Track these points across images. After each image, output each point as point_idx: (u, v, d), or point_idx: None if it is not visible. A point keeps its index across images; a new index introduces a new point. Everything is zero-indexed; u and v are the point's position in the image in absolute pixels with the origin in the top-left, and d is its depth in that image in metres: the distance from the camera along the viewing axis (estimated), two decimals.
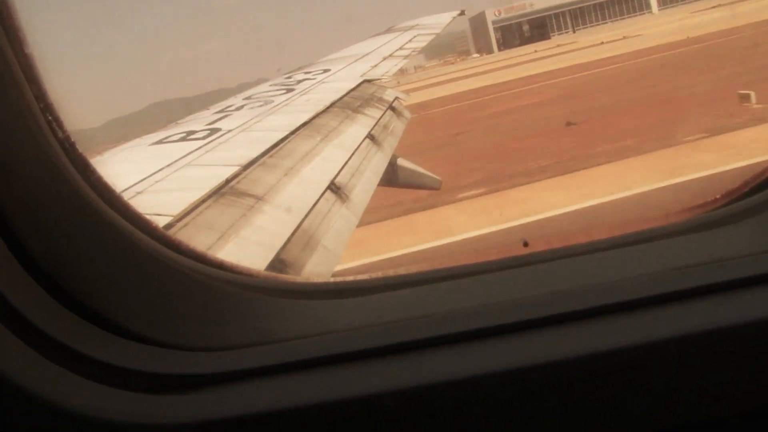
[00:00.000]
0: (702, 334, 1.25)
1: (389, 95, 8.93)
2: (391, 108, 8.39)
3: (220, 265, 1.64)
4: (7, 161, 1.23)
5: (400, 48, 11.92)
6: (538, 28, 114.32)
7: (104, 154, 7.01)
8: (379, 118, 7.75)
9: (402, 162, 8.89)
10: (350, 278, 1.73)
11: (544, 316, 1.31)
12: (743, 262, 1.38)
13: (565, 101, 32.83)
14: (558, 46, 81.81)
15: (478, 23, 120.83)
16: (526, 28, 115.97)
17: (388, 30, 14.84)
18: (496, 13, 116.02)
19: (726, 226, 1.57)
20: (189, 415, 1.24)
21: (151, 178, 5.21)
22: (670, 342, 1.25)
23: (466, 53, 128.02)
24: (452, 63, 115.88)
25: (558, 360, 1.24)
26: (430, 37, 13.10)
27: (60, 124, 1.32)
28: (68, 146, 1.33)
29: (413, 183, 9.23)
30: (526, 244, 1.67)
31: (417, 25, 14.57)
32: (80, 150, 1.37)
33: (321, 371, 1.30)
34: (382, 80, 9.74)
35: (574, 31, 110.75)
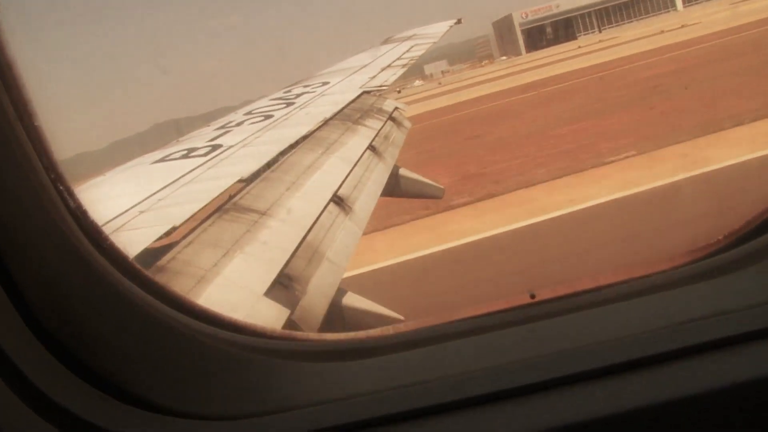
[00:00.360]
0: (712, 391, 1.24)
1: (389, 106, 8.95)
2: (391, 118, 8.40)
3: (235, 327, 1.64)
4: (20, 234, 1.24)
5: (398, 58, 11.95)
6: (565, 29, 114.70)
7: (106, 174, 7.03)
8: (380, 129, 7.76)
9: (404, 172, 8.89)
10: (362, 336, 1.73)
11: (554, 378, 1.31)
12: (747, 315, 1.38)
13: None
14: (600, 42, 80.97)
15: (503, 27, 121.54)
16: (549, 30, 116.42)
17: (386, 40, 14.88)
18: (523, 16, 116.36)
19: (729, 275, 1.56)
20: None
21: (155, 196, 5.22)
22: (678, 401, 1.24)
23: (489, 57, 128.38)
24: (482, 66, 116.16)
25: (570, 424, 1.23)
26: (427, 46, 13.14)
27: (71, 194, 1.33)
28: (80, 215, 1.34)
29: (416, 192, 9.22)
30: (533, 297, 1.67)
31: (414, 35, 14.62)
32: (92, 218, 1.38)
33: None
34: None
35: (600, 31, 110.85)
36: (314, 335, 1.80)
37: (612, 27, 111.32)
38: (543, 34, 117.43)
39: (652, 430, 1.24)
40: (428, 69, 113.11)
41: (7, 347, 1.20)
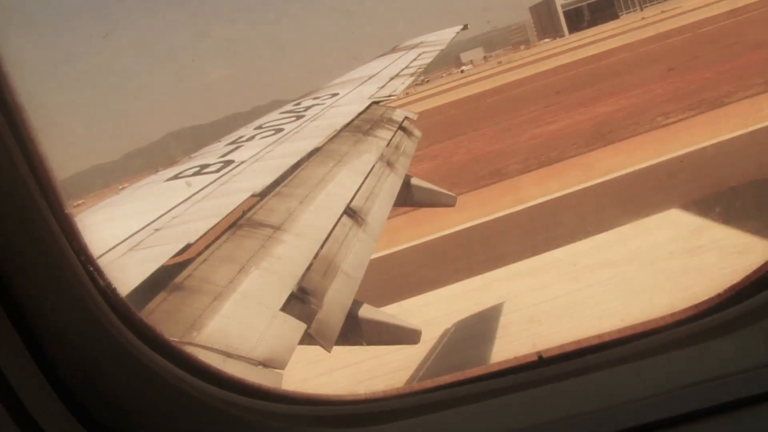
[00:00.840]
0: None
1: (398, 115, 8.96)
2: (402, 128, 8.41)
3: (260, 394, 1.67)
4: (57, 319, 1.27)
5: (406, 67, 11.96)
6: (607, 9, 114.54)
7: (121, 193, 7.09)
8: (390, 139, 7.78)
9: (416, 181, 8.89)
10: (362, 398, 1.75)
11: None
12: (749, 377, 1.38)
13: None
14: (643, 19, 79.29)
15: (542, 10, 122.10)
16: (587, 11, 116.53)
17: (394, 49, 14.91)
18: None
19: (733, 334, 1.55)
20: None
21: (169, 214, 5.26)
22: None
23: (525, 42, 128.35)
24: (521, 50, 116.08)
25: None
26: (435, 54, 13.14)
27: (101, 274, 1.36)
28: (110, 293, 1.38)
29: (428, 201, 9.21)
30: (541, 358, 1.67)
31: (421, 42, 14.64)
32: (121, 296, 1.41)
33: None
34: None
35: (641, 9, 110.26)
36: (334, 396, 1.82)
37: (653, 4, 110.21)
38: (583, 15, 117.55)
39: None
40: (465, 57, 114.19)
41: (30, 407, 1.23)
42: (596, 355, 1.62)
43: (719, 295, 1.67)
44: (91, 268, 1.34)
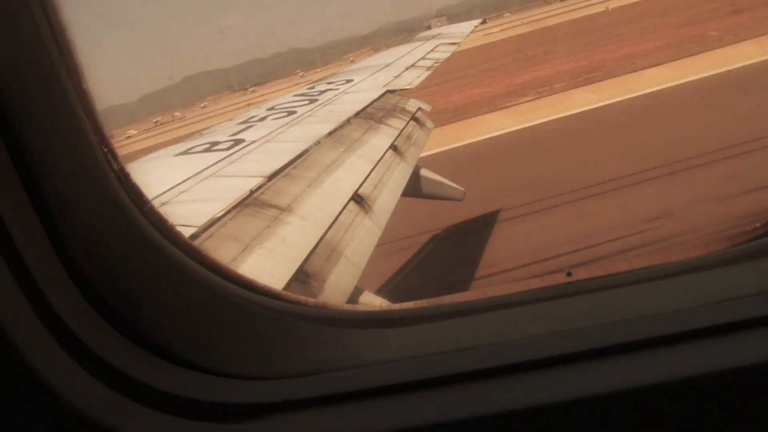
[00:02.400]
0: (747, 367, 1.23)
1: (412, 106, 8.93)
2: (414, 119, 8.38)
3: (272, 294, 1.67)
4: (67, 195, 1.27)
5: (423, 58, 11.92)
6: None
7: (130, 165, 7.08)
8: (402, 129, 7.75)
9: (425, 173, 8.87)
10: (399, 307, 1.75)
11: (588, 349, 1.30)
12: None
13: None
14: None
15: None
16: None
17: (411, 39, 14.87)
18: None
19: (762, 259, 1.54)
20: None
21: (176, 188, 5.26)
22: (712, 375, 1.23)
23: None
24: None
25: (603, 393, 1.23)
26: (453, 47, 13.09)
27: (115, 157, 1.36)
28: (123, 177, 1.38)
29: (436, 194, 9.21)
30: (569, 274, 1.66)
31: (439, 34, 14.58)
32: (134, 180, 1.41)
33: (376, 401, 1.31)
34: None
35: None
36: (348, 305, 1.82)
37: None
38: None
39: (686, 403, 1.24)
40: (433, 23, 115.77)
41: (55, 303, 1.23)
42: (627, 274, 1.62)
43: (756, 228, 1.67)
44: (106, 150, 1.33)
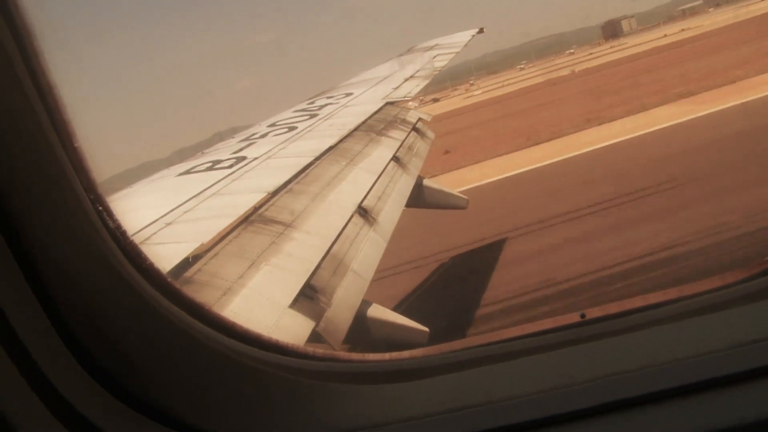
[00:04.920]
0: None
1: (412, 116, 8.94)
2: (415, 129, 8.39)
3: (279, 348, 1.64)
4: (61, 255, 1.25)
5: (421, 68, 11.94)
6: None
7: (134, 186, 7.10)
8: (404, 140, 7.75)
9: (428, 183, 8.86)
10: (410, 355, 1.70)
11: (605, 402, 1.28)
12: None
13: None
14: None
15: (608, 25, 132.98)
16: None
17: (409, 50, 14.89)
18: None
19: None
20: None
21: (180, 208, 5.26)
22: (739, 427, 1.20)
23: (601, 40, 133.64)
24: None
25: None
26: (450, 56, 13.09)
27: (111, 214, 1.34)
28: (119, 235, 1.34)
29: (440, 203, 9.19)
30: (583, 316, 1.62)
31: (437, 44, 14.60)
32: (130, 238, 1.38)
33: None
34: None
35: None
36: (357, 355, 1.79)
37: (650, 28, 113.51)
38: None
39: None
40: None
41: (46, 368, 1.20)
42: (640, 314, 1.58)
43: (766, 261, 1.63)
44: (101, 208, 1.30)
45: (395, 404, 1.50)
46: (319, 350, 1.78)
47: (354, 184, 6.01)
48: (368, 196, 5.73)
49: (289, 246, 4.57)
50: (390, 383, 1.58)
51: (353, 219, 5.22)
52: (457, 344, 1.68)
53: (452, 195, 9.55)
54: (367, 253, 4.90)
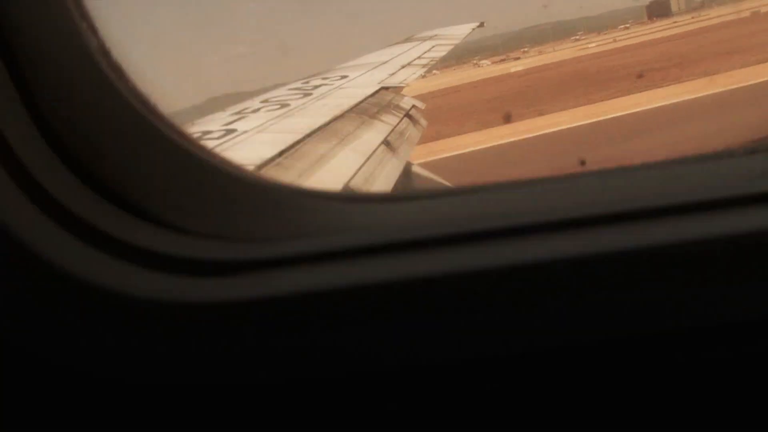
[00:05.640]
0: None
1: (406, 103, 8.93)
2: (408, 116, 8.38)
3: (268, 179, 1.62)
4: (36, 38, 1.22)
5: (419, 57, 11.92)
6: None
7: None
8: (396, 125, 7.75)
9: (417, 169, 8.86)
10: (399, 192, 1.70)
11: (566, 219, 1.28)
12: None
13: None
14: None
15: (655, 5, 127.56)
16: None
17: (407, 39, 14.87)
18: None
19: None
20: (226, 296, 1.24)
21: None
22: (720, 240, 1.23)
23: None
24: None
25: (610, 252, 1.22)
26: (449, 47, 13.10)
27: (95, 31, 1.31)
28: (107, 51, 1.32)
29: None
30: (583, 163, 1.63)
31: (436, 35, 14.58)
32: (117, 58, 1.35)
33: (352, 261, 1.28)
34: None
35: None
36: (335, 191, 1.78)
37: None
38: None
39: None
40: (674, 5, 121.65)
41: (17, 148, 1.19)
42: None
43: None
44: (86, 24, 1.29)
45: (380, 219, 1.51)
46: (311, 187, 1.78)
47: (342, 163, 6.00)
48: (355, 177, 5.73)
49: None
50: (376, 203, 1.61)
51: None
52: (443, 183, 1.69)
53: (440, 183, 9.57)
54: None
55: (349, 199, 1.65)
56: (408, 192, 1.86)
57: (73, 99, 1.28)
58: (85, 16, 1.31)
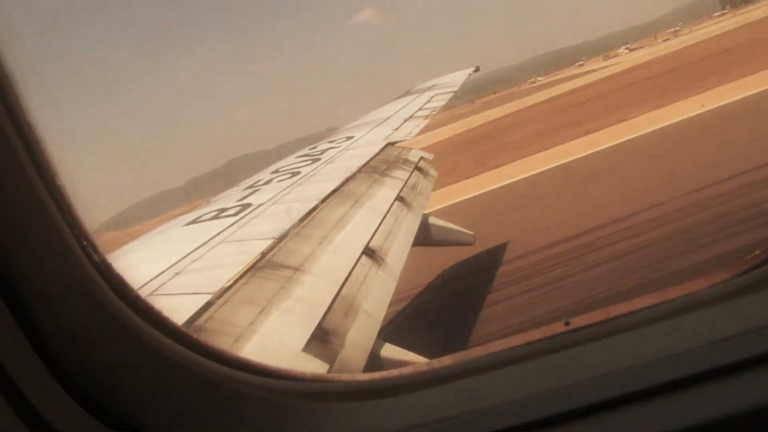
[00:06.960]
0: (756, 408, 1.20)
1: (414, 156, 9.00)
2: (417, 168, 8.44)
3: (270, 373, 1.64)
4: (47, 288, 1.26)
5: (420, 109, 12.08)
6: None
7: (141, 238, 7.12)
8: (407, 180, 7.79)
9: (434, 221, 8.87)
10: (396, 374, 1.71)
11: (594, 402, 1.28)
12: None
13: None
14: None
15: None
16: None
17: (407, 92, 15.09)
18: None
19: (761, 292, 1.51)
20: None
21: (188, 257, 5.27)
22: (725, 420, 1.19)
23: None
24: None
25: None
26: (448, 96, 13.27)
27: (95, 249, 1.35)
28: (105, 268, 1.36)
29: (447, 240, 9.19)
30: (567, 323, 1.64)
31: (435, 85, 14.80)
32: (116, 271, 1.39)
33: None
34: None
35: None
36: (346, 375, 1.79)
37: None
38: None
39: None
40: None
41: (34, 399, 1.20)
42: (625, 318, 1.58)
43: (754, 256, 1.63)
44: (85, 243, 1.31)
45: (384, 418, 1.51)
46: (308, 372, 1.78)
47: (360, 225, 6.02)
48: (375, 237, 5.74)
49: (298, 290, 4.56)
50: (379, 399, 1.59)
51: (361, 260, 5.22)
52: (445, 359, 1.69)
53: (459, 231, 9.56)
54: (377, 292, 4.88)
55: (367, 394, 1.67)
56: (422, 375, 1.87)
57: (87, 342, 1.32)
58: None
